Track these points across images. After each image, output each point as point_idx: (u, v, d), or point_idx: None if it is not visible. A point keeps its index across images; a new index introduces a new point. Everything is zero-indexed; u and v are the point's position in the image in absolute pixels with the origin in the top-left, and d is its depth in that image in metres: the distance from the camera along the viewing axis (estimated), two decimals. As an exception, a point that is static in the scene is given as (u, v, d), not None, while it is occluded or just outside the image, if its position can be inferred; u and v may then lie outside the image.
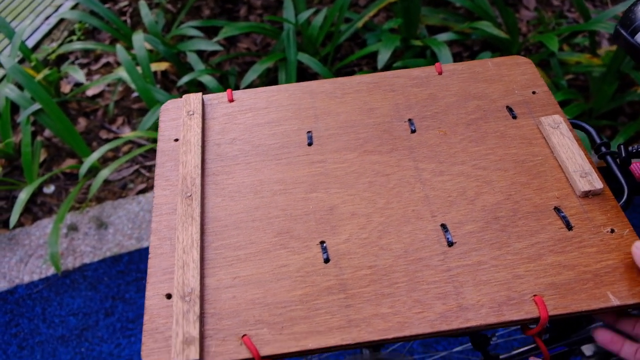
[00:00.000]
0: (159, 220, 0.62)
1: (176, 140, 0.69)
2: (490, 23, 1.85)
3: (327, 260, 0.57)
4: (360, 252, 0.57)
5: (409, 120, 0.69)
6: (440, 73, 0.74)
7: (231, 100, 0.73)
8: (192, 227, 0.60)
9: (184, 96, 0.73)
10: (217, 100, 0.74)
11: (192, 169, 0.65)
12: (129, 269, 1.67)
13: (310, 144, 0.67)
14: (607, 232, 0.56)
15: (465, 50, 2.08)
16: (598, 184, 0.59)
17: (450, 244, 0.57)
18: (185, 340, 0.51)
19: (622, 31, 0.63)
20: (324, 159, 0.66)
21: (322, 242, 0.58)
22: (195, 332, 0.52)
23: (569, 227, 0.57)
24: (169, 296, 0.56)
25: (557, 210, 0.58)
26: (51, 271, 1.69)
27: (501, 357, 0.86)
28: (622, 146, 0.63)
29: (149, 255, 0.60)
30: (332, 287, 0.55)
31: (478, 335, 0.75)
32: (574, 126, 0.68)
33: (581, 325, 0.88)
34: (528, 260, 0.54)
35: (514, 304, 0.52)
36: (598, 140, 0.66)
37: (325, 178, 0.64)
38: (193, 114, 0.71)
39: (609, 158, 0.64)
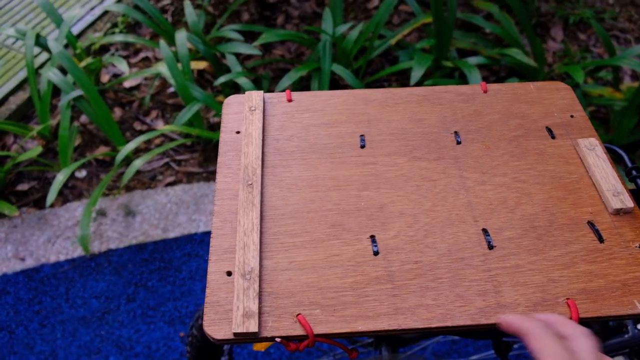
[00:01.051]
0: (221, 204, 0.67)
1: (238, 132, 0.75)
2: (520, 50, 1.91)
3: (376, 253, 0.62)
4: (407, 248, 0.62)
5: (455, 132, 0.74)
6: (485, 92, 0.80)
7: (290, 100, 0.79)
8: (252, 212, 0.65)
9: (246, 92, 0.79)
10: (277, 99, 0.80)
11: (254, 159, 0.71)
12: (153, 258, 1.72)
13: (362, 147, 0.73)
14: (636, 247, 0.61)
15: (492, 75, 2.14)
16: (629, 203, 0.64)
17: (491, 247, 0.62)
18: (246, 314, 0.57)
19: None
20: (376, 161, 0.71)
21: (372, 237, 0.63)
22: (255, 307, 0.57)
23: (601, 240, 0.62)
24: (229, 273, 0.61)
25: (590, 224, 0.63)
26: (77, 253, 1.75)
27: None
28: (652, 171, 0.68)
29: (212, 235, 0.65)
30: (381, 277, 0.60)
31: (501, 342, 0.79)
32: (608, 150, 0.73)
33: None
34: (562, 267, 0.60)
35: (548, 305, 0.57)
36: (630, 164, 0.71)
37: (376, 179, 0.69)
38: (255, 110, 0.77)
39: (639, 181, 0.69)
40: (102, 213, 1.82)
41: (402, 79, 2.10)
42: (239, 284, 0.59)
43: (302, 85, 1.98)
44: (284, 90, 1.82)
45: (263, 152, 0.73)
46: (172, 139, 1.94)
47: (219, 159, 0.73)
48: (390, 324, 0.56)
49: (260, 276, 0.60)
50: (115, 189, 1.87)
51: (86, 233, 1.63)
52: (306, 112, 0.78)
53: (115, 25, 2.30)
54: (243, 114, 0.77)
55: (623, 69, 2.15)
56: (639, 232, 0.62)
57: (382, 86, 2.08)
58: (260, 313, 0.57)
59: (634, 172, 0.70)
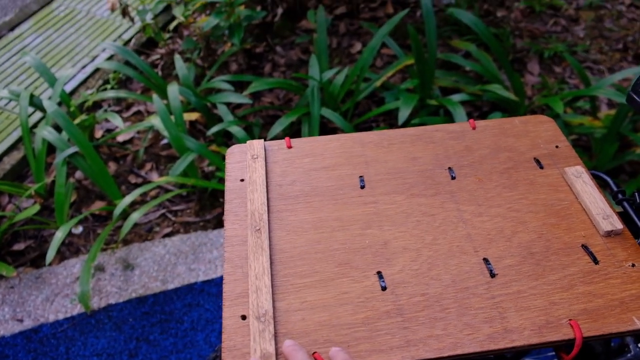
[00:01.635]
0: (231, 251, 0.70)
1: (242, 180, 0.78)
2: (500, 86, 1.98)
3: (384, 288, 0.64)
4: (413, 282, 0.65)
5: (449, 168, 0.78)
6: (474, 128, 0.84)
7: (289, 147, 0.83)
8: (262, 256, 0.68)
9: (247, 142, 0.83)
10: (277, 146, 0.83)
11: (259, 205, 0.74)
12: (154, 311, 1.72)
13: (362, 187, 0.76)
14: (629, 266, 0.64)
15: (475, 110, 2.21)
16: (619, 224, 0.68)
17: (493, 275, 0.65)
18: (263, 355, 0.59)
19: (635, 96, 0.73)
20: (376, 200, 0.75)
21: (379, 272, 0.66)
22: (272, 348, 0.59)
23: (596, 261, 0.65)
24: (244, 317, 0.63)
25: (585, 247, 0.67)
26: (77, 310, 1.74)
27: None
28: (637, 193, 0.72)
29: (224, 281, 0.67)
30: (391, 311, 0.62)
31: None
32: (594, 176, 0.78)
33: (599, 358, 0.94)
34: (562, 290, 0.63)
35: (552, 327, 0.59)
36: (615, 188, 0.75)
37: (378, 217, 0.72)
38: (257, 158, 0.80)
39: (625, 204, 0.73)
40: (100, 268, 1.83)
41: (389, 119, 2.16)
42: (255, 326, 0.61)
43: (292, 130, 2.03)
44: (275, 137, 1.87)
45: (268, 198, 0.76)
46: (167, 190, 1.97)
47: (225, 207, 0.76)
48: (403, 356, 0.58)
49: (274, 318, 0.62)
50: (113, 243, 1.88)
51: (86, 289, 1.63)
52: (306, 157, 0.81)
53: (107, 81, 2.36)
54: (246, 162, 0.80)
55: (599, 98, 2.23)
56: (631, 252, 0.66)
57: (371, 127, 2.14)
58: (277, 354, 0.59)
59: (620, 196, 0.74)
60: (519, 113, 2.07)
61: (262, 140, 0.83)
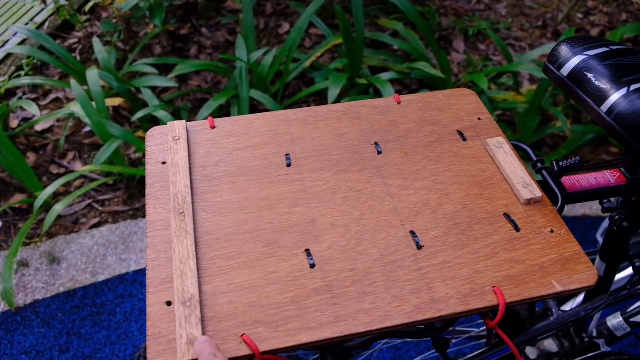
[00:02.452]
0: (154, 236, 0.67)
1: (164, 163, 0.75)
2: (427, 64, 2.01)
3: (313, 266, 0.64)
4: (342, 258, 0.64)
5: (375, 143, 0.78)
6: (399, 103, 0.84)
7: (213, 127, 0.80)
8: (187, 240, 0.65)
9: (168, 123, 0.79)
10: (200, 127, 0.80)
11: (183, 188, 0.71)
12: (84, 304, 1.65)
13: (289, 165, 0.75)
14: (548, 232, 0.66)
15: (404, 88, 2.24)
16: (538, 192, 0.70)
17: (419, 247, 0.65)
18: (190, 341, 0.57)
19: (551, 66, 0.75)
20: (303, 177, 0.73)
21: (307, 250, 0.65)
22: (198, 333, 0.57)
23: (517, 229, 0.67)
24: (169, 303, 0.61)
25: (507, 215, 0.69)
26: (1, 308, 1.65)
27: None
28: (554, 162, 0.75)
29: (147, 268, 0.65)
30: (319, 288, 0.62)
31: (440, 338, 0.83)
32: (514, 147, 0.80)
33: (525, 328, 0.98)
34: (485, 258, 0.64)
35: (477, 295, 0.60)
36: (534, 158, 0.77)
37: (305, 195, 0.71)
38: (179, 139, 0.77)
39: (544, 172, 0.75)
40: (24, 264, 1.74)
41: (320, 99, 2.15)
42: (180, 312, 0.59)
43: (222, 113, 1.99)
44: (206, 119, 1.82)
45: (191, 180, 0.73)
46: (92, 180, 1.89)
47: (147, 191, 0.72)
48: (333, 332, 0.58)
49: (200, 302, 0.60)
50: (36, 237, 1.79)
51: (9, 286, 1.55)
52: (230, 137, 0.79)
53: (20, 68, 2.22)
54: (167, 145, 0.77)
55: (522, 74, 2.31)
56: (549, 218, 0.68)
57: (301, 108, 2.13)
58: (204, 338, 0.58)
59: (539, 165, 0.76)
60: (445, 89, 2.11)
61: (184, 121, 0.80)
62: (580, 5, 2.68)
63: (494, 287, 0.61)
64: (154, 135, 0.79)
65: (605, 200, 0.85)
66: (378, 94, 1.97)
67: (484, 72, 2.17)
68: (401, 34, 2.17)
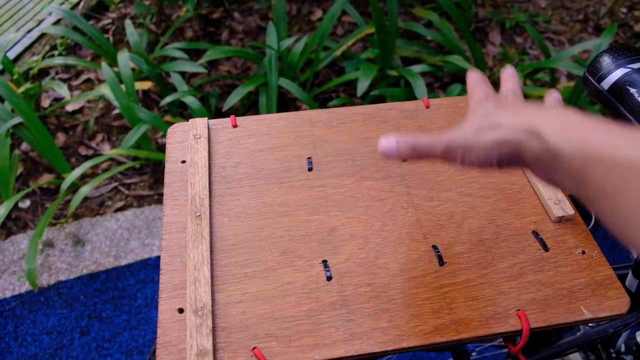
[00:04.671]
0: (170, 239, 0.66)
1: (183, 162, 0.74)
2: (461, 57, 1.95)
3: (329, 278, 0.62)
4: (360, 271, 0.62)
5: (401, 149, 0.75)
6: (427, 107, 0.81)
7: (235, 126, 0.78)
8: (202, 245, 0.64)
9: (190, 120, 0.78)
10: (222, 125, 0.79)
11: (201, 190, 0.69)
12: (106, 287, 1.67)
13: (310, 169, 0.73)
14: (579, 253, 0.63)
15: (436, 81, 2.18)
16: (570, 210, 0.66)
17: (442, 263, 0.62)
18: (200, 352, 0.55)
19: (590, 78, 0.71)
20: (324, 183, 0.71)
21: (324, 261, 0.63)
22: (209, 344, 0.56)
23: (546, 248, 0.63)
24: (181, 310, 0.60)
25: (535, 233, 0.65)
26: (25, 288, 1.68)
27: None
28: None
29: (161, 272, 0.64)
30: (335, 302, 0.60)
31: (460, 351, 0.80)
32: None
33: (550, 342, 0.95)
34: (511, 279, 0.61)
35: (500, 318, 0.58)
36: (569, 172, 0.73)
37: (325, 202, 0.69)
38: (200, 138, 0.75)
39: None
40: (49, 244, 1.76)
41: (349, 89, 2.12)
42: (191, 321, 0.58)
43: (250, 100, 1.97)
44: (232, 107, 1.81)
45: (210, 181, 0.71)
46: (119, 163, 1.90)
47: (164, 191, 0.71)
48: (347, 350, 0.56)
49: (213, 311, 0.59)
50: (62, 217, 1.81)
51: (33, 266, 1.57)
52: (252, 137, 0.77)
53: (54, 47, 2.24)
54: (188, 143, 0.76)
55: (559, 71, 2.23)
56: (581, 238, 0.64)
57: (331, 97, 2.09)
58: (215, 350, 0.56)
59: (573, 179, 0.72)
60: (479, 84, 2.05)
61: (206, 118, 0.78)
62: (625, -2, 2.57)
63: (518, 310, 0.58)
64: (175, 132, 0.78)
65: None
66: (408, 86, 1.92)
67: (519, 66, 2.10)
68: (435, 24, 2.11)
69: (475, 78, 0.55)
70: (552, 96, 0.53)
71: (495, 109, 0.48)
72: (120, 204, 1.84)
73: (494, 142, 0.45)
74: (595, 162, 0.36)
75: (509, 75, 0.56)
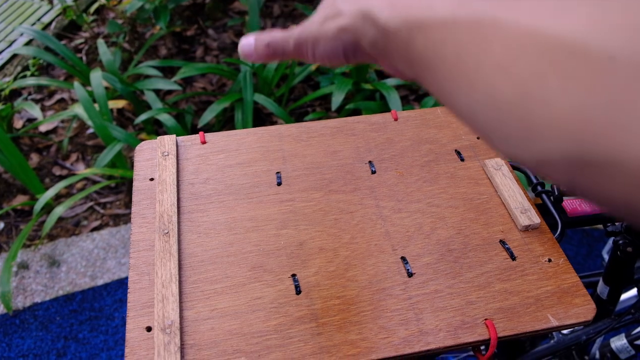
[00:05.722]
0: (137, 257, 0.65)
1: (151, 179, 0.73)
2: (435, 68, 1.97)
3: (298, 292, 0.61)
4: (329, 284, 0.62)
5: (369, 162, 0.76)
6: (396, 119, 0.82)
7: (204, 142, 0.78)
8: (170, 262, 0.63)
9: (158, 138, 0.78)
10: (190, 142, 0.78)
11: (169, 207, 0.69)
12: (82, 308, 1.64)
13: (279, 184, 0.73)
14: (545, 261, 0.64)
15: (411, 94, 2.21)
16: (536, 219, 0.67)
17: (410, 274, 0.63)
18: (167, 369, 0.55)
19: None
20: (293, 197, 0.71)
21: (293, 275, 0.63)
22: (176, 360, 0.55)
23: (513, 257, 0.64)
24: (149, 329, 0.59)
25: (502, 242, 0.66)
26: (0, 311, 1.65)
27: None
28: (555, 186, 0.72)
29: (128, 290, 0.63)
30: (304, 316, 0.59)
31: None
32: (513, 167, 0.77)
33: (525, 350, 0.95)
34: (478, 288, 0.61)
35: (468, 328, 0.58)
36: (534, 180, 0.74)
37: (295, 216, 0.69)
38: (168, 155, 0.75)
39: (544, 196, 0.72)
40: (24, 266, 1.73)
41: (325, 104, 2.13)
42: (159, 339, 0.57)
43: (226, 116, 1.97)
44: (208, 124, 1.80)
45: (178, 198, 0.71)
46: (94, 182, 1.88)
47: (132, 209, 0.71)
48: (316, 364, 0.56)
49: (181, 328, 0.58)
50: (37, 239, 1.78)
51: (7, 289, 1.54)
52: (221, 153, 0.77)
53: (26, 68, 2.22)
54: (156, 160, 0.75)
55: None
56: (547, 247, 0.65)
57: (307, 112, 2.10)
58: (183, 368, 0.56)
59: (539, 188, 0.73)
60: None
61: (174, 135, 0.78)
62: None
63: (486, 319, 0.59)
64: (142, 150, 0.77)
65: (608, 224, 0.82)
66: (383, 100, 1.94)
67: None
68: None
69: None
70: None
71: None
72: (96, 223, 1.82)
73: (335, 31, 0.42)
74: (417, 31, 0.33)
75: None
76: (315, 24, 0.45)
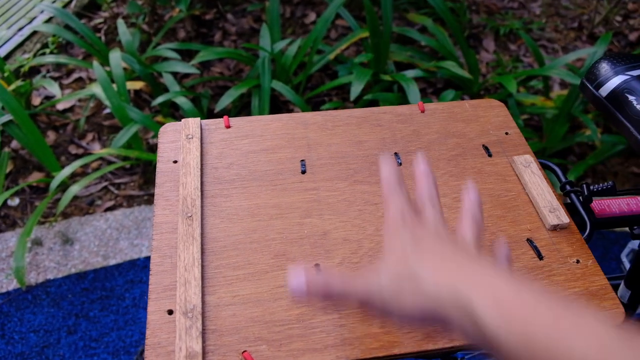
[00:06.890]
0: (160, 239, 0.65)
1: (175, 162, 0.73)
2: (455, 63, 1.95)
3: (321, 281, 0.61)
4: (353, 275, 0.61)
5: (395, 153, 0.75)
6: (422, 111, 0.81)
7: (228, 127, 0.78)
8: (193, 246, 0.63)
9: (182, 120, 0.77)
10: (215, 125, 0.78)
11: (192, 190, 0.68)
12: (94, 287, 1.65)
13: (303, 172, 0.72)
14: (574, 262, 0.63)
15: (429, 87, 2.19)
16: (565, 218, 0.66)
17: (435, 269, 0.62)
18: (189, 354, 0.54)
19: (588, 84, 0.71)
20: (317, 186, 0.70)
21: (316, 265, 0.62)
22: (198, 347, 0.55)
23: (540, 257, 0.63)
24: (170, 312, 0.59)
25: (530, 241, 0.65)
26: (12, 286, 1.66)
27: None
28: (585, 185, 0.70)
29: (150, 272, 0.62)
30: (327, 307, 0.59)
31: (450, 358, 0.80)
32: (542, 165, 0.75)
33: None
34: (504, 287, 0.60)
35: (493, 326, 0.57)
36: (564, 179, 0.73)
37: (319, 205, 0.68)
38: (192, 138, 0.74)
39: (573, 196, 0.71)
40: (38, 242, 1.74)
41: (342, 93, 2.11)
42: (181, 323, 0.57)
43: (242, 102, 1.96)
44: (224, 109, 1.80)
45: (202, 182, 0.70)
46: (110, 162, 1.88)
47: (156, 191, 0.70)
48: (338, 355, 0.55)
49: (203, 313, 0.58)
50: (51, 216, 1.79)
51: (21, 264, 1.55)
52: (245, 138, 0.76)
53: (45, 45, 2.22)
54: (180, 143, 0.75)
55: (552, 78, 2.24)
56: (575, 247, 0.64)
57: (323, 101, 2.09)
58: (204, 353, 0.55)
59: (568, 187, 0.72)
60: (472, 91, 2.06)
61: (198, 118, 0.77)
62: (619, 7, 2.59)
63: (511, 318, 0.58)
64: (167, 132, 0.77)
65: (635, 227, 0.80)
66: (402, 92, 1.92)
67: (513, 74, 2.11)
68: (430, 29, 2.11)
69: (389, 180, 0.48)
70: (502, 250, 0.47)
71: (413, 248, 0.42)
72: (109, 203, 1.82)
73: (415, 310, 0.40)
74: (520, 335, 0.34)
75: (422, 175, 0.49)
76: (385, 289, 0.41)
